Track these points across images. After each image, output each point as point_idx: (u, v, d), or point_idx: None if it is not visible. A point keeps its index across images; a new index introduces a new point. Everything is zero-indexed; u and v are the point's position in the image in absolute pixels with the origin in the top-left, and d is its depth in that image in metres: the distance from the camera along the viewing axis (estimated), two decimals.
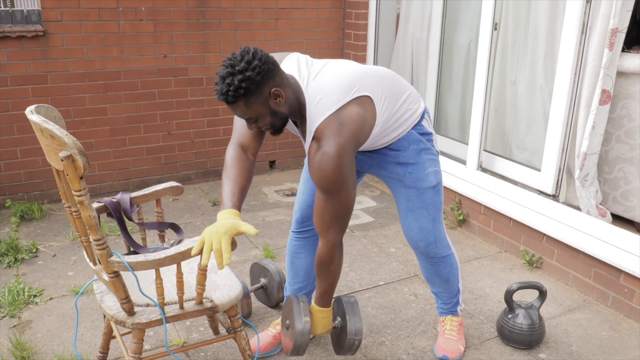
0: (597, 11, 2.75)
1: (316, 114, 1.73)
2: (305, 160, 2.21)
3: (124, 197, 2.04)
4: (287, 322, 1.96)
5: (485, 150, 3.54)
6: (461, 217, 3.57)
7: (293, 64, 1.83)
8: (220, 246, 1.61)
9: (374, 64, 4.44)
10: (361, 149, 1.98)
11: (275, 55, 1.92)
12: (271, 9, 4.22)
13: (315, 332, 1.99)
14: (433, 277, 2.29)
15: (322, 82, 1.77)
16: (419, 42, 4.14)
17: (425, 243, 2.14)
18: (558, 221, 3.02)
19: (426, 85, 4.13)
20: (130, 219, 2.02)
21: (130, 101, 3.95)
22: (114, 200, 2.03)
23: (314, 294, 2.06)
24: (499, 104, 3.54)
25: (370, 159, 2.08)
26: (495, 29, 3.31)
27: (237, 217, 1.71)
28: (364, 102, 1.78)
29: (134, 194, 2.08)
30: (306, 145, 1.87)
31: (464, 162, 3.65)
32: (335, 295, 2.70)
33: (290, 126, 1.95)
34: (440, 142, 3.94)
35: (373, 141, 1.94)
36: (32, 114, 1.64)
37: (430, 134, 2.06)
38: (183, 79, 4.07)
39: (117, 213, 2.02)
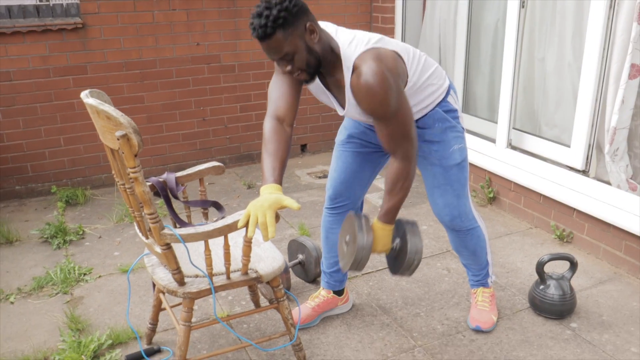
0: None
1: (351, 52, 1.80)
2: (336, 139, 2.29)
3: (169, 177, 2.16)
4: (348, 237, 1.92)
5: (514, 129, 3.57)
6: (491, 195, 3.62)
7: (321, 24, 1.91)
8: (265, 219, 1.69)
9: None
10: None
11: None
12: None
13: (376, 249, 1.97)
14: (460, 249, 2.38)
15: (351, 32, 1.87)
16: (446, 23, 4.16)
17: (450, 217, 2.22)
18: (588, 196, 3.05)
19: (454, 65, 4.16)
20: (176, 197, 2.14)
21: (166, 89, 4.08)
22: (160, 179, 2.15)
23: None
24: (527, 81, 3.56)
25: None
26: (523, 6, 3.33)
27: (279, 191, 1.80)
28: (395, 55, 1.86)
29: (179, 174, 2.19)
30: (338, 108, 1.95)
31: (493, 141, 3.69)
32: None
33: (319, 90, 2.00)
34: (469, 121, 3.98)
35: None
36: (87, 97, 1.76)
37: (456, 110, 2.12)
38: (216, 66, 4.18)
39: (164, 191, 2.14)
